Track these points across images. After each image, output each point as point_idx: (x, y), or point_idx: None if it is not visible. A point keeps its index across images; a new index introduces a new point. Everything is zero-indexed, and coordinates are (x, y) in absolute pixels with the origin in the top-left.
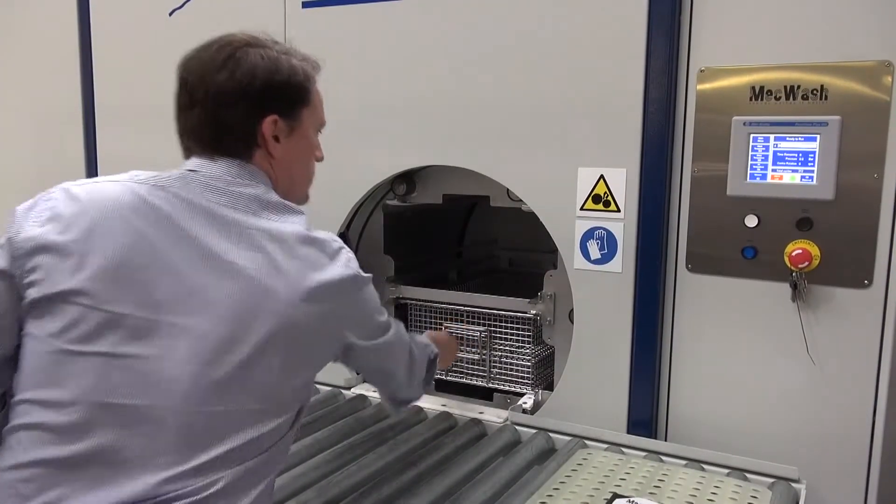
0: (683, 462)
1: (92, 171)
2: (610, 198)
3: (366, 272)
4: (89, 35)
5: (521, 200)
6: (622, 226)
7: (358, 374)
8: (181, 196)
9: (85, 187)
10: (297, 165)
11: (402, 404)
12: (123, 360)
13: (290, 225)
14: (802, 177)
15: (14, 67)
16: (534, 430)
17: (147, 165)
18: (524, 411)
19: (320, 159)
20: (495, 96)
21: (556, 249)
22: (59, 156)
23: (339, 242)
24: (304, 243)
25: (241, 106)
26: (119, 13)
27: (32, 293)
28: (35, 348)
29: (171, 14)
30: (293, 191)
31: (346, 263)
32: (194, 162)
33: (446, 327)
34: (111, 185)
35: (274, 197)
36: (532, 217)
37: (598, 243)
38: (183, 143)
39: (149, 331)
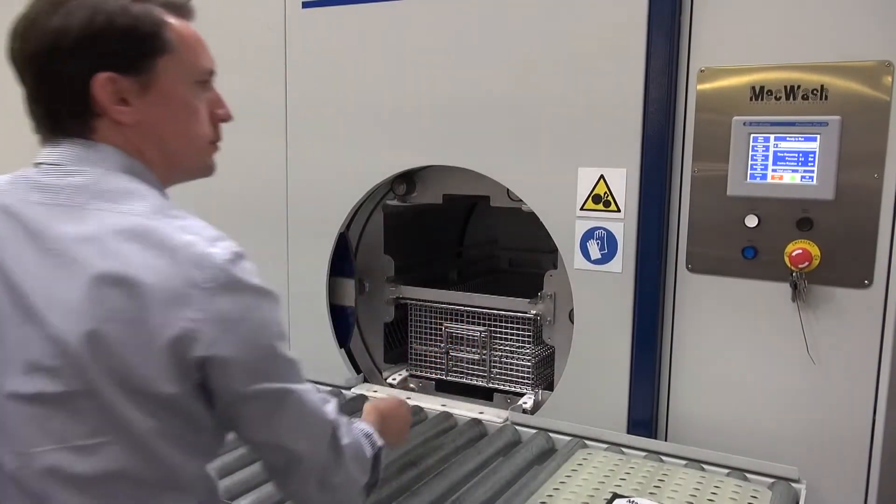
0: (683, 462)
1: None
2: (610, 198)
3: (360, 273)
4: None
5: (521, 200)
6: (622, 226)
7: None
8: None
9: None
10: (168, 129)
11: None
12: None
13: (120, 216)
14: (802, 177)
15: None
16: (534, 430)
17: None
18: (524, 411)
19: (224, 118)
20: (495, 96)
21: (556, 249)
22: None
23: (201, 235)
24: (128, 239)
25: (60, 67)
26: None
27: None
28: None
29: None
30: (177, 161)
31: (196, 263)
32: (41, 152)
33: (446, 327)
34: None
35: (113, 182)
36: (532, 217)
37: (598, 243)
38: (34, 131)
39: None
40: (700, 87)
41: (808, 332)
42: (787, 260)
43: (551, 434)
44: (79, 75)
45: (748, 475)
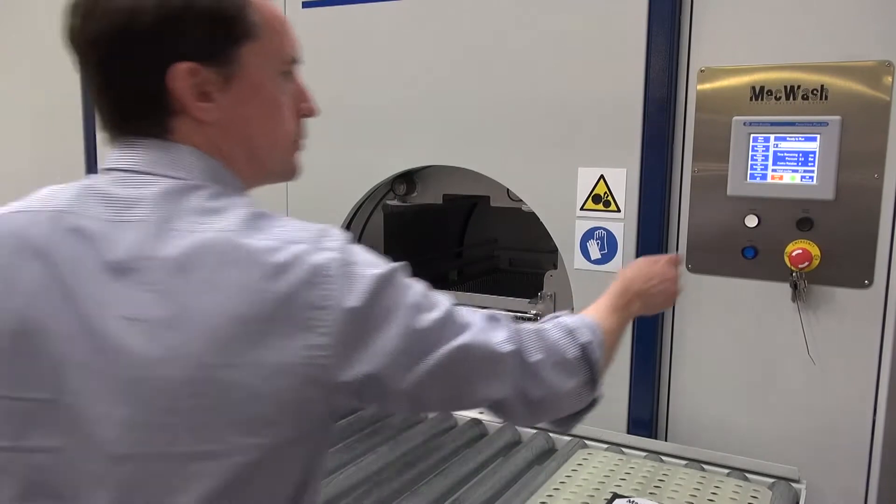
0: (684, 462)
1: (92, 171)
2: (610, 198)
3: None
4: None
5: (521, 200)
6: (622, 226)
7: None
8: (69, 223)
9: None
10: (254, 127)
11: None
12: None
13: (212, 234)
14: (803, 177)
15: (14, 69)
16: (534, 431)
17: None
18: None
19: (309, 113)
20: (496, 96)
21: (557, 249)
22: (59, 156)
23: (301, 245)
24: (224, 264)
25: (129, 56)
26: None
27: None
28: None
29: None
30: (262, 163)
31: (305, 281)
32: (111, 155)
33: None
34: (6, 217)
35: (200, 194)
36: (532, 217)
37: (598, 243)
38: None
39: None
40: (700, 87)
41: (808, 333)
42: (787, 260)
43: (551, 434)
44: (154, 64)
45: (748, 475)
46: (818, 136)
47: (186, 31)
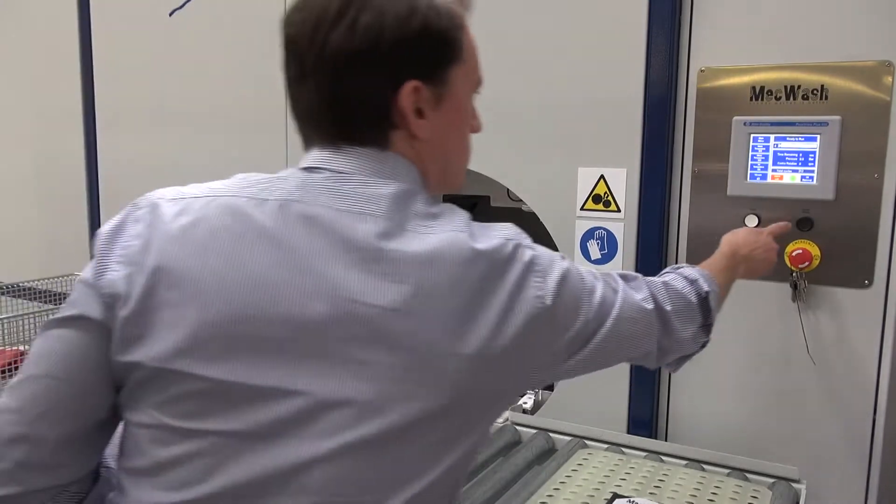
0: (684, 462)
1: (92, 173)
2: (610, 198)
3: None
4: (89, 36)
5: (521, 200)
6: (622, 226)
7: None
8: (298, 211)
9: (178, 206)
10: (450, 144)
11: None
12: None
13: (444, 233)
14: (803, 177)
15: (14, 69)
16: (534, 430)
17: (148, 167)
18: (524, 411)
19: (477, 130)
20: (495, 96)
21: (557, 249)
22: (60, 158)
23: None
24: (466, 262)
25: (369, 72)
26: (119, 14)
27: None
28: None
29: (171, 14)
30: (450, 179)
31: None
32: (314, 156)
33: None
34: (211, 204)
35: (420, 200)
36: (532, 217)
37: (598, 243)
38: (299, 130)
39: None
40: (700, 86)
41: (808, 332)
42: (787, 260)
43: (551, 434)
44: (390, 81)
45: (748, 475)
46: (818, 136)
47: (419, 52)
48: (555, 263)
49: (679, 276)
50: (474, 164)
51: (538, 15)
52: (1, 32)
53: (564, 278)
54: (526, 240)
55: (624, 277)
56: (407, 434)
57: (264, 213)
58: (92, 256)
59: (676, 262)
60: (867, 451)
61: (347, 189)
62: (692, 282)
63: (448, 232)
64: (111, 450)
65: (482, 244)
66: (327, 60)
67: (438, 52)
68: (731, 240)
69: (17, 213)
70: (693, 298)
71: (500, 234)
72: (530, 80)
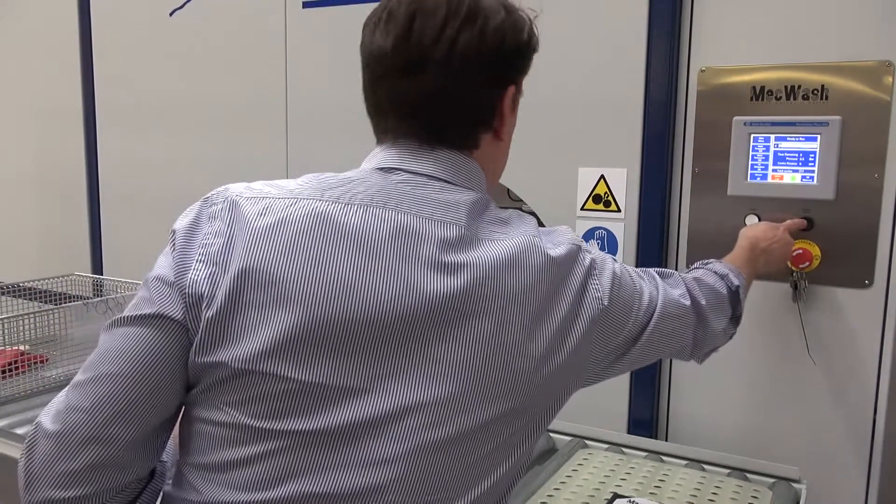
0: (684, 462)
1: (93, 172)
2: (610, 198)
3: None
4: (90, 35)
5: (521, 200)
6: (623, 226)
7: None
8: (382, 215)
9: (259, 205)
10: (504, 151)
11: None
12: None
13: (519, 237)
14: (803, 177)
15: (14, 68)
16: None
17: (149, 167)
18: None
19: None
20: None
21: None
22: (60, 158)
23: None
24: (547, 267)
25: (489, 74)
26: (120, 13)
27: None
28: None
29: (171, 14)
30: (491, 187)
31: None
32: (388, 155)
33: None
34: (295, 205)
35: (492, 206)
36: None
37: (598, 243)
38: (380, 125)
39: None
40: (701, 86)
41: (808, 333)
42: (787, 260)
43: (551, 434)
44: (499, 84)
45: (749, 475)
46: (818, 136)
47: (525, 59)
48: (607, 264)
49: (709, 272)
50: None
51: (539, 15)
52: (1, 32)
53: (618, 279)
54: (584, 243)
55: (661, 274)
56: (481, 434)
57: (349, 216)
58: (172, 250)
59: (676, 263)
60: (868, 451)
61: (426, 195)
62: (722, 276)
63: (522, 237)
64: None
65: (554, 251)
66: (454, 58)
67: (528, 62)
68: (749, 234)
69: (17, 213)
70: (724, 292)
71: (566, 238)
72: (531, 80)
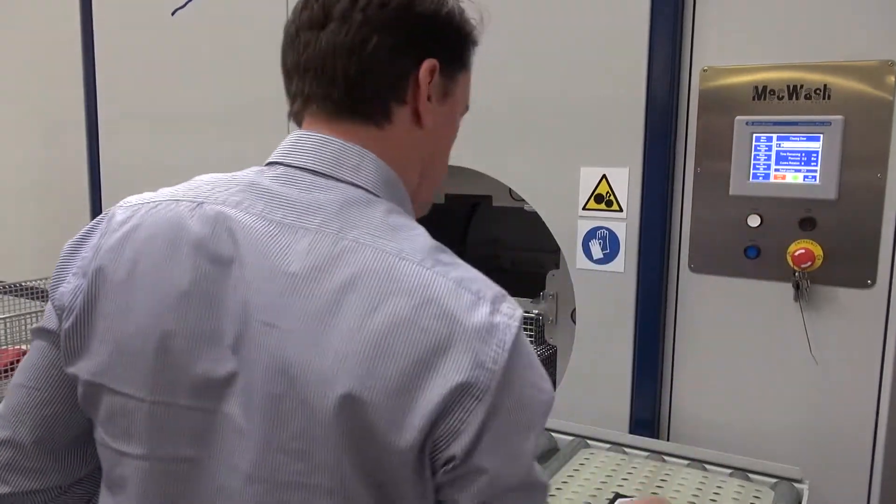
0: (686, 462)
1: (95, 177)
2: (612, 197)
3: None
4: (92, 36)
5: (523, 200)
6: (624, 225)
7: None
8: (229, 221)
9: (128, 212)
10: (441, 146)
11: None
12: (170, 466)
13: (386, 258)
14: (805, 176)
15: (16, 70)
16: None
17: (150, 168)
18: None
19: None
20: (497, 96)
21: (559, 249)
22: (62, 158)
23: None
24: (395, 293)
25: (399, 33)
26: (121, 14)
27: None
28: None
29: (173, 14)
30: (423, 189)
31: (481, 337)
32: (289, 142)
33: None
34: (154, 209)
35: (378, 206)
36: (534, 217)
37: (600, 243)
38: (294, 90)
39: (200, 427)
40: (702, 86)
41: (810, 333)
42: (789, 260)
43: (553, 433)
44: (411, 50)
45: (751, 475)
46: (821, 135)
47: (444, 35)
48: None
49: None
50: (476, 164)
51: (540, 14)
52: (3, 33)
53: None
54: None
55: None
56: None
57: (197, 220)
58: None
59: (678, 262)
60: (870, 451)
61: (290, 194)
62: None
63: (386, 253)
64: None
65: (438, 281)
66: (355, 11)
67: (457, 47)
68: None
69: (19, 214)
70: None
71: (479, 286)
72: (533, 80)
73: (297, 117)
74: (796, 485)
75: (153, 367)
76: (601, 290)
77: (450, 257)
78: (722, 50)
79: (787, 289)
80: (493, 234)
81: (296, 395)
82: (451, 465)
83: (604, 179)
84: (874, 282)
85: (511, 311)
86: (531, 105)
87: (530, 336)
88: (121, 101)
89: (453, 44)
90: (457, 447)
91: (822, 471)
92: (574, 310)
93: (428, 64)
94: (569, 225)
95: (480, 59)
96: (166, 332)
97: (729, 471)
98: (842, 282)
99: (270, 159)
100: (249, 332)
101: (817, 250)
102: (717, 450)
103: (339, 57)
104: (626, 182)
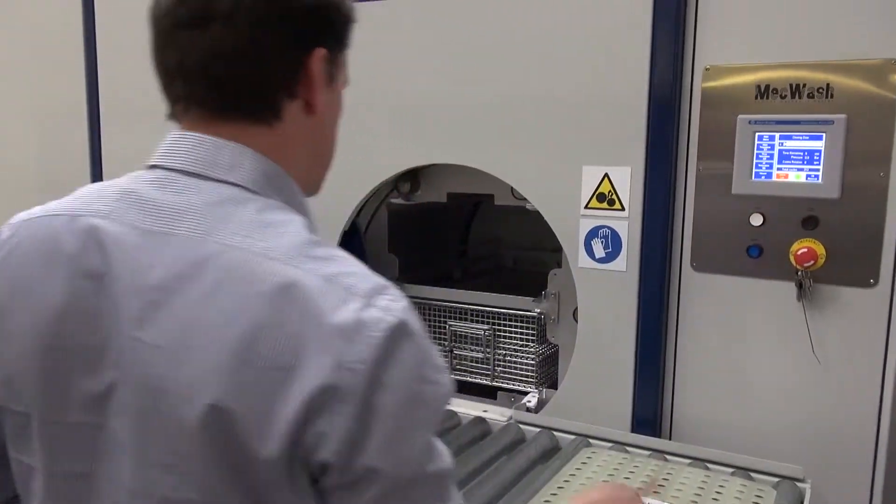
0: (688, 461)
1: (97, 169)
2: (614, 196)
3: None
4: (94, 30)
5: (525, 199)
6: (627, 224)
7: None
8: (100, 233)
9: (13, 228)
10: (328, 132)
11: None
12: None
13: (254, 259)
14: (808, 175)
15: (17, 65)
16: (538, 429)
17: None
18: (528, 410)
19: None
20: (500, 94)
21: (561, 248)
22: (64, 155)
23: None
24: (258, 295)
25: (286, 25)
26: (123, 8)
27: None
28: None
29: None
30: (315, 172)
31: (346, 337)
32: (167, 143)
33: (450, 325)
34: (34, 224)
35: (251, 204)
36: (536, 215)
37: (602, 242)
38: (170, 89)
39: (90, 442)
40: (705, 85)
41: (813, 332)
42: (792, 259)
43: (555, 432)
44: (300, 42)
45: (753, 474)
46: (824, 134)
47: (329, 21)
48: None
49: None
50: (478, 163)
51: (542, 12)
52: (5, 28)
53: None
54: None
55: None
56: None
57: (70, 235)
58: None
59: (681, 261)
60: (872, 451)
61: (163, 199)
62: None
63: (256, 255)
64: None
65: (309, 280)
66: (243, 6)
67: (342, 31)
68: (589, 497)
69: (20, 208)
70: None
71: (350, 281)
72: (535, 78)
73: (176, 118)
74: (798, 484)
75: (42, 387)
76: (603, 289)
77: (326, 251)
78: (724, 48)
79: (790, 288)
80: (495, 233)
81: (164, 409)
82: (334, 471)
83: (606, 178)
84: (877, 281)
85: (390, 303)
86: (533, 103)
87: (532, 335)
88: (123, 96)
89: (338, 28)
90: (328, 452)
91: (824, 470)
92: (576, 309)
93: (318, 54)
94: (571, 224)
95: (482, 58)
96: (48, 351)
97: (731, 470)
98: (844, 281)
99: (150, 162)
100: (122, 347)
101: (820, 249)
102: (719, 449)
103: (226, 60)
104: (628, 181)
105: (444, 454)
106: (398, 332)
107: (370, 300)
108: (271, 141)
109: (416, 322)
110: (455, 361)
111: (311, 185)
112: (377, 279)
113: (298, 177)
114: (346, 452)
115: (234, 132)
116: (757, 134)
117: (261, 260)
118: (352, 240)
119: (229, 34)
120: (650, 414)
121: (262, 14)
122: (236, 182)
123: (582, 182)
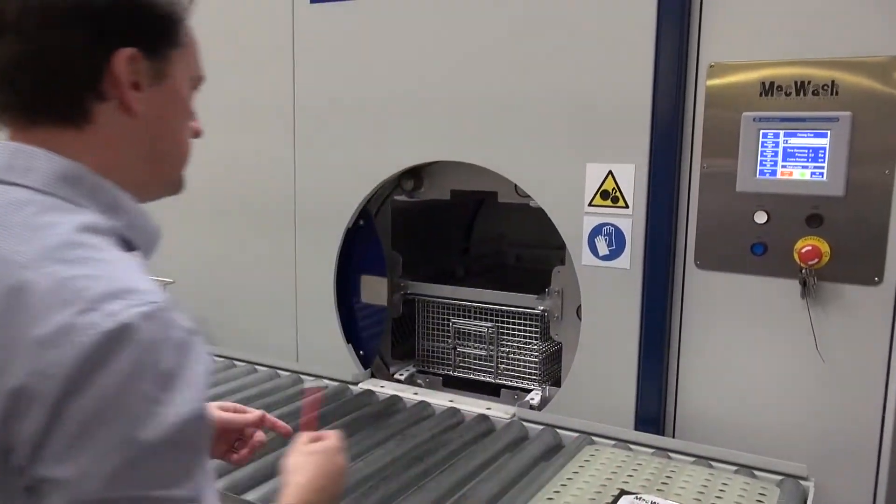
0: (691, 459)
1: None
2: (618, 194)
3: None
4: None
5: (528, 196)
6: (630, 222)
7: None
8: None
9: None
10: (167, 129)
11: None
12: None
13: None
14: (812, 173)
15: None
16: (541, 426)
17: None
18: (531, 407)
19: (197, 133)
20: (503, 92)
21: (564, 245)
22: None
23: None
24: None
25: (78, 30)
26: None
27: None
28: None
29: None
30: (161, 169)
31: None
32: None
33: (454, 323)
34: None
35: (26, 207)
36: (540, 213)
37: (606, 239)
38: None
39: None
40: (709, 82)
41: (817, 330)
42: (796, 256)
43: (558, 430)
44: (97, 44)
45: (756, 472)
46: (828, 131)
47: (133, 19)
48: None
49: None
50: (482, 160)
51: (547, 11)
52: None
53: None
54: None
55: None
56: None
57: None
58: None
59: (685, 259)
60: (876, 448)
61: None
62: None
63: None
64: None
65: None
66: (31, 12)
67: (156, 26)
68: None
69: None
70: None
71: (85, 284)
72: (539, 76)
73: (5, 126)
74: (802, 482)
75: None
76: (607, 286)
77: (85, 252)
78: (729, 46)
79: (794, 286)
80: (499, 230)
81: None
82: (25, 475)
83: (610, 175)
84: (881, 279)
85: (121, 309)
86: (537, 101)
87: (535, 332)
88: None
89: (148, 26)
90: (19, 456)
91: (828, 468)
92: (579, 306)
93: (122, 54)
94: (574, 221)
95: (483, 58)
96: None
97: (734, 468)
98: (849, 279)
99: None
100: None
101: (824, 247)
102: (722, 447)
103: (21, 68)
104: (632, 178)
105: (175, 484)
106: (114, 339)
107: (95, 304)
108: (84, 144)
109: (159, 331)
110: (459, 359)
111: (160, 185)
112: (126, 283)
113: (131, 177)
114: (29, 456)
115: (43, 137)
116: (761, 131)
117: (4, 265)
118: (365, 233)
119: (20, 42)
120: (654, 411)
121: (51, 19)
122: (29, 185)
123: (586, 179)
